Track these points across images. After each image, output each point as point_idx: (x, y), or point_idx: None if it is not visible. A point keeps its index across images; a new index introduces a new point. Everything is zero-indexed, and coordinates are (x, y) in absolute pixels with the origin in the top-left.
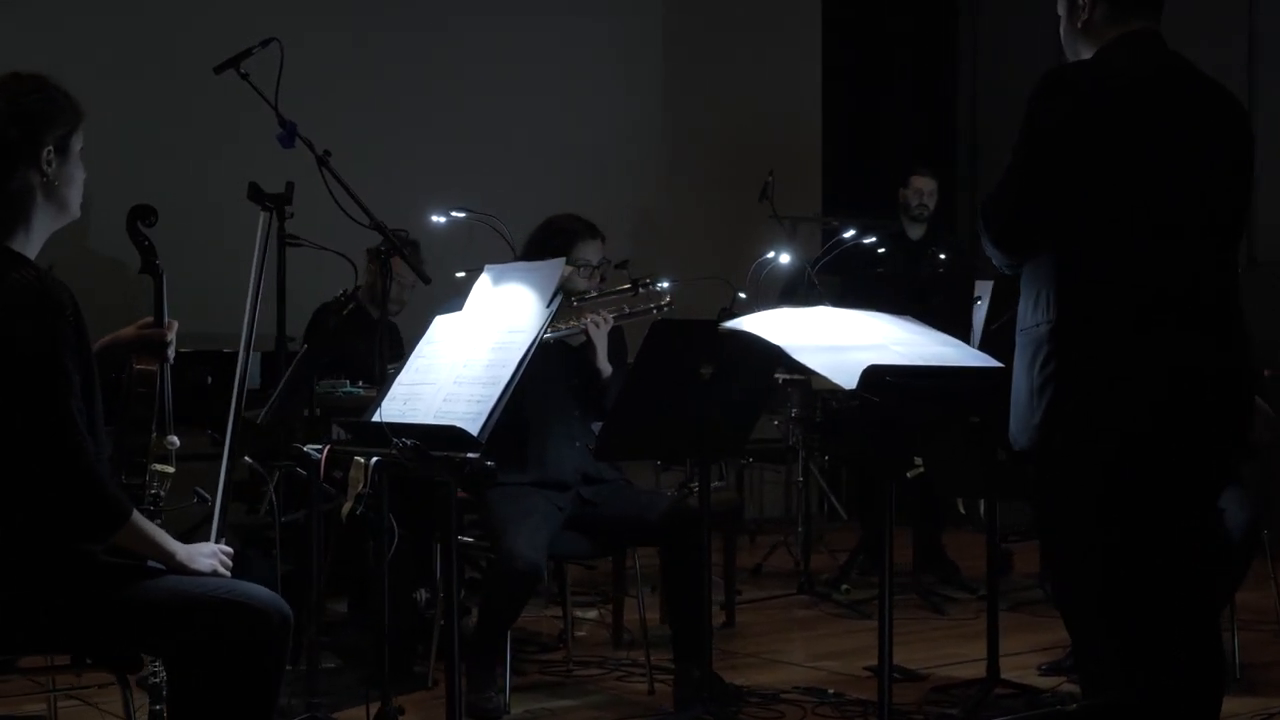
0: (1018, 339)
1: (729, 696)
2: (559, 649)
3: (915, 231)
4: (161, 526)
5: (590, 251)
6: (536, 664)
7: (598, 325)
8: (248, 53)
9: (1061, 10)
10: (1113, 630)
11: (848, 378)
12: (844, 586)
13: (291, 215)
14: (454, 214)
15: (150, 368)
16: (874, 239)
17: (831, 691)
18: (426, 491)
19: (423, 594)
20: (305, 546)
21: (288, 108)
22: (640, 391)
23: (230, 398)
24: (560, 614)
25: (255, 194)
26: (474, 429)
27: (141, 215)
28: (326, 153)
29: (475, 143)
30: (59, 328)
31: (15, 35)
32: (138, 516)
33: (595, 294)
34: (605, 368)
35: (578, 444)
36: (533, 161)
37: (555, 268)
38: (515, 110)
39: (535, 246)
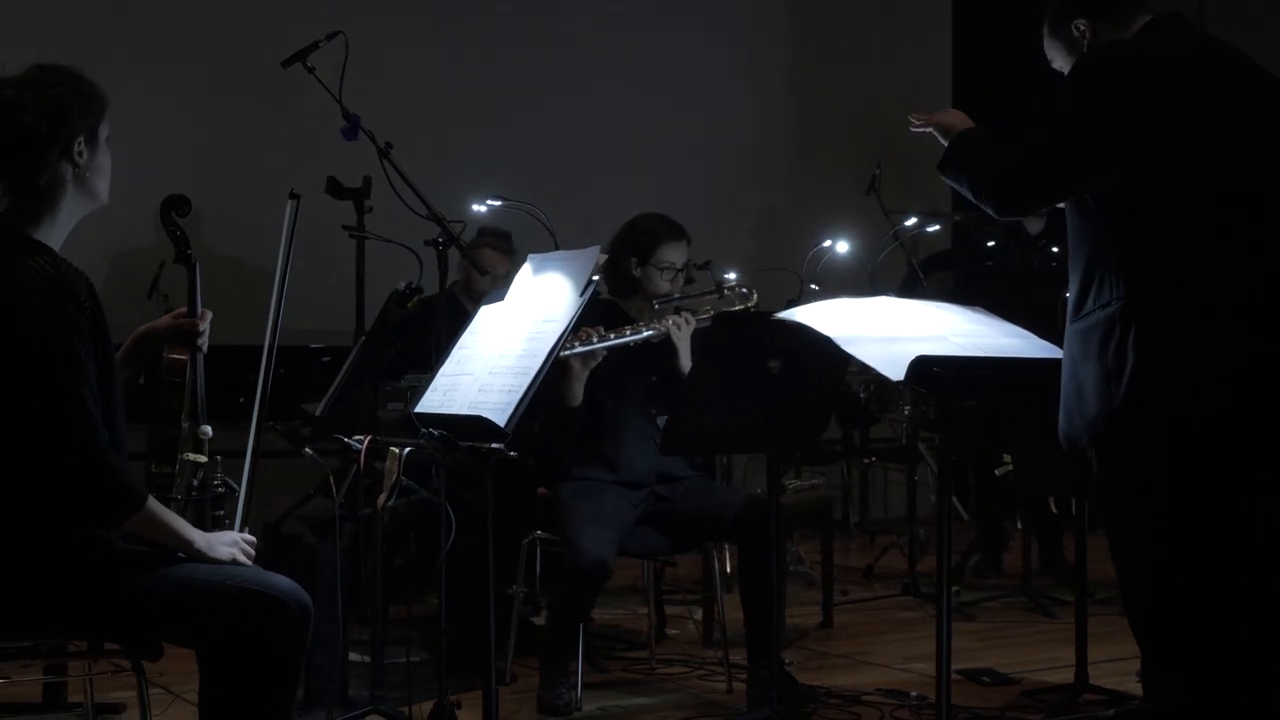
0: (1073, 328)
1: (801, 696)
2: (649, 646)
3: (1035, 226)
4: (224, 517)
5: (674, 254)
6: (622, 661)
7: (679, 327)
8: (314, 46)
9: (1059, 53)
10: (1181, 633)
11: (897, 369)
12: (954, 588)
13: (370, 209)
14: (490, 202)
15: (180, 357)
16: (927, 224)
17: (914, 694)
18: (518, 486)
19: (520, 590)
20: (370, 539)
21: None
22: (705, 385)
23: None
24: (657, 611)
25: (334, 188)
26: (501, 420)
27: (175, 205)
28: (388, 145)
29: (595, 140)
30: (72, 315)
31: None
32: (154, 504)
33: (678, 296)
34: (687, 367)
35: (654, 443)
36: (652, 158)
37: (590, 256)
38: (634, 106)
39: (620, 244)
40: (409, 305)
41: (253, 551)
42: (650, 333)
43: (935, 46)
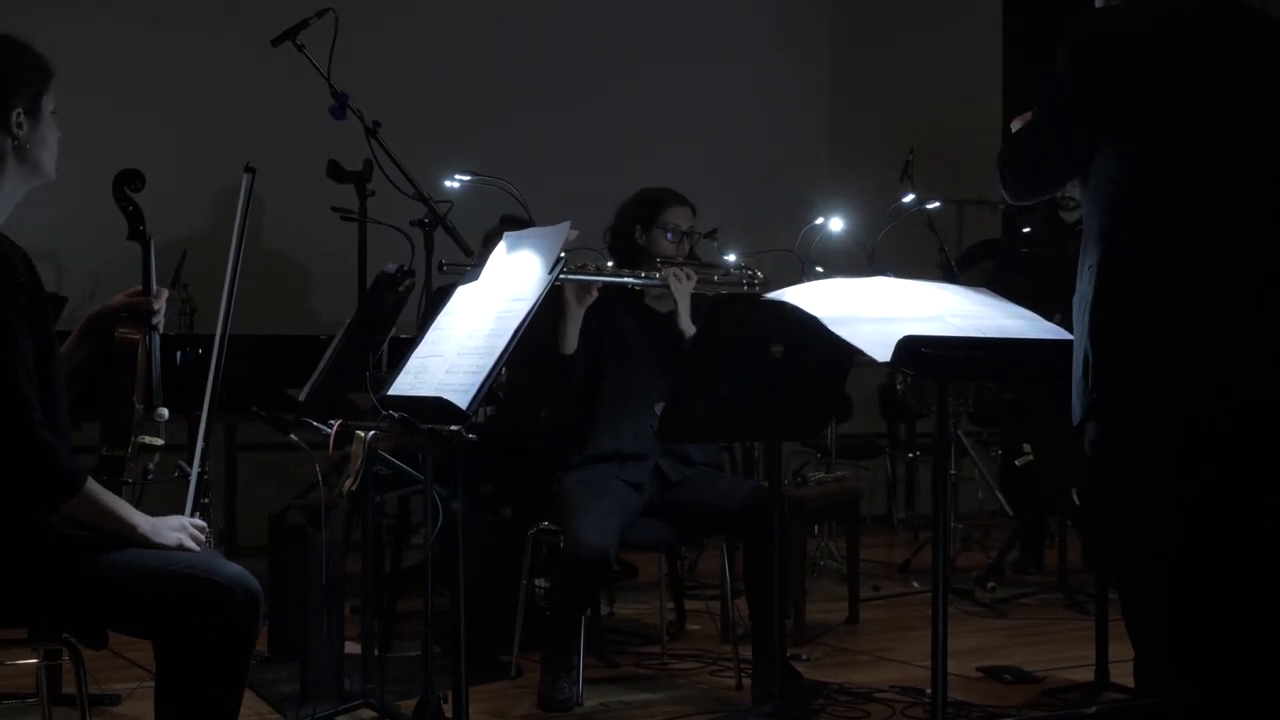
0: (1074, 300)
1: (806, 692)
2: (668, 640)
3: (1071, 216)
4: (210, 505)
5: (678, 217)
6: (635, 656)
7: (679, 280)
8: (304, 24)
9: None
10: (1170, 629)
11: (884, 350)
12: (990, 584)
13: (373, 193)
14: (460, 176)
15: (131, 336)
16: (925, 202)
17: (929, 691)
18: (529, 478)
19: (539, 585)
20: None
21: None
22: (703, 370)
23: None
24: (692, 605)
25: (335, 171)
26: (463, 402)
27: (128, 180)
28: (376, 123)
29: (636, 132)
30: (8, 291)
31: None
32: (94, 486)
33: (683, 261)
34: (688, 327)
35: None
36: (694, 153)
37: (560, 232)
38: (678, 100)
39: (624, 215)
40: (400, 289)
41: (202, 537)
42: (649, 280)
43: (984, 44)
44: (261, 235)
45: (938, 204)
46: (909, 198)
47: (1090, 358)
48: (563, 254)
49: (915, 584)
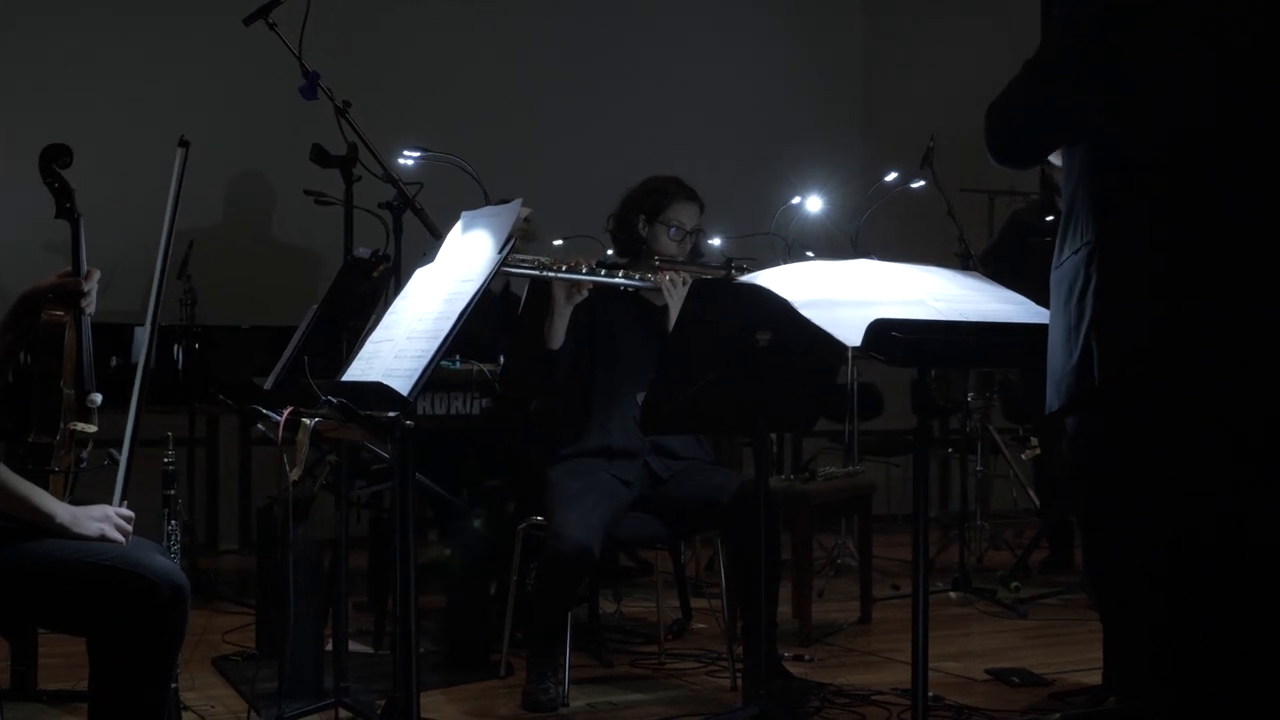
0: (1053, 276)
1: (795, 693)
2: (668, 639)
3: None
4: (177, 496)
5: (684, 214)
6: (633, 655)
7: (674, 285)
8: (276, 2)
9: None
10: (1157, 630)
11: (854, 334)
12: (1013, 584)
13: (359, 179)
14: (409, 153)
15: (58, 317)
16: (911, 180)
17: (930, 695)
18: (523, 471)
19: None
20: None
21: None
22: (684, 359)
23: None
24: (702, 604)
25: (319, 156)
26: (404, 388)
27: (55, 156)
28: (346, 103)
29: (662, 124)
30: None
31: None
32: (3, 473)
33: (682, 261)
34: None
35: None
36: (719, 143)
37: (512, 210)
38: (701, 89)
39: (630, 204)
40: (375, 274)
41: (128, 527)
42: (642, 282)
43: (1023, 29)
44: (270, 225)
45: (922, 183)
46: (891, 176)
47: (1095, 347)
48: (525, 238)
49: (938, 583)
